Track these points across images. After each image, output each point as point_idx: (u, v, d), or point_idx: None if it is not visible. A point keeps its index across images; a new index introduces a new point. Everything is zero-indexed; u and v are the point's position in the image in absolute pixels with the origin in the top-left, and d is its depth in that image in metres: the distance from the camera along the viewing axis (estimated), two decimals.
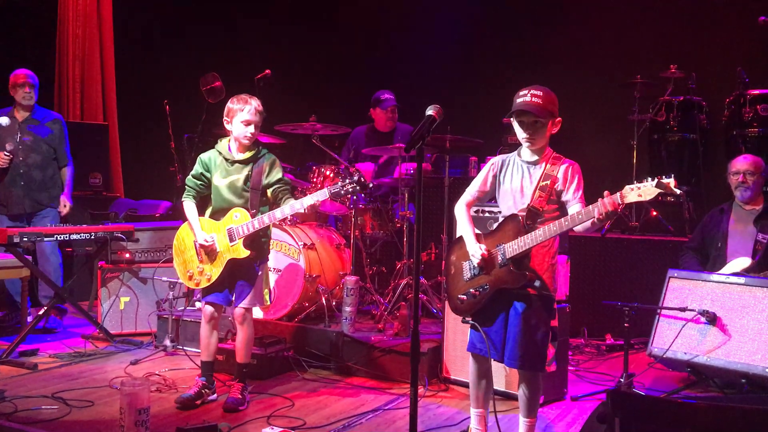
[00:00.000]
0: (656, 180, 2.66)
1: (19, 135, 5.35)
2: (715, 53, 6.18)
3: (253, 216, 3.73)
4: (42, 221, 5.31)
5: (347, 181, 3.63)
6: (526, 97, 3.04)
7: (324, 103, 7.06)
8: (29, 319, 5.03)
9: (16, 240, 4.55)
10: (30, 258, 5.01)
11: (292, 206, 3.64)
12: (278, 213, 3.67)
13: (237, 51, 7.80)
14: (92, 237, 4.95)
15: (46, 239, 4.79)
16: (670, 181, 2.65)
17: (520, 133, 3.10)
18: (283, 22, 7.93)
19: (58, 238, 4.82)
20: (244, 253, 3.72)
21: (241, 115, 3.77)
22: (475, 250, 3.08)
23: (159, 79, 7.79)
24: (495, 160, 3.26)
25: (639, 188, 2.70)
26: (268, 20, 8.01)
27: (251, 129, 3.78)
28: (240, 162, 3.85)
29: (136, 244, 5.29)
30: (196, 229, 3.84)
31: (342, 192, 3.62)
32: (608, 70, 6.46)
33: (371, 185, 3.81)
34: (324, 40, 7.73)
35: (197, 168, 3.93)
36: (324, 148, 5.34)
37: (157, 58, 7.99)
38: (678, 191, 2.68)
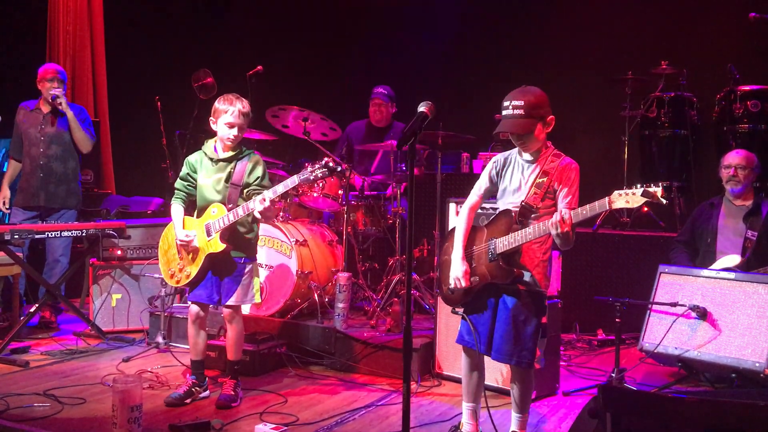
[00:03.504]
0: (642, 189, 2.66)
1: (41, 126, 5.35)
2: (706, 49, 6.20)
3: (229, 211, 3.72)
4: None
5: (316, 166, 3.60)
6: (507, 110, 3.03)
7: (316, 99, 7.04)
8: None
9: (7, 237, 4.53)
10: (21, 255, 4.99)
11: (263, 195, 3.57)
12: (251, 204, 3.62)
13: (229, 47, 7.77)
14: (83, 234, 4.93)
15: (37, 236, 4.75)
16: (657, 191, 2.65)
17: (513, 142, 3.13)
18: (276, 17, 7.91)
19: (49, 235, 4.79)
20: (220, 246, 3.71)
21: (225, 117, 3.76)
22: (458, 273, 3.12)
23: (150, 75, 7.76)
24: (497, 158, 3.27)
25: (627, 194, 2.70)
26: (261, 16, 7.98)
27: (234, 131, 3.78)
28: (223, 160, 3.84)
29: (127, 240, 5.27)
30: (177, 228, 3.85)
31: (311, 177, 3.60)
32: (599, 66, 6.47)
33: (339, 169, 3.77)
34: (316, 36, 7.71)
35: (184, 170, 3.94)
36: (316, 145, 5.34)
37: (149, 54, 7.94)
38: (665, 201, 2.69)
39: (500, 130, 3.06)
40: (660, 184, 2.67)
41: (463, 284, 3.09)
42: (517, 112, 3.00)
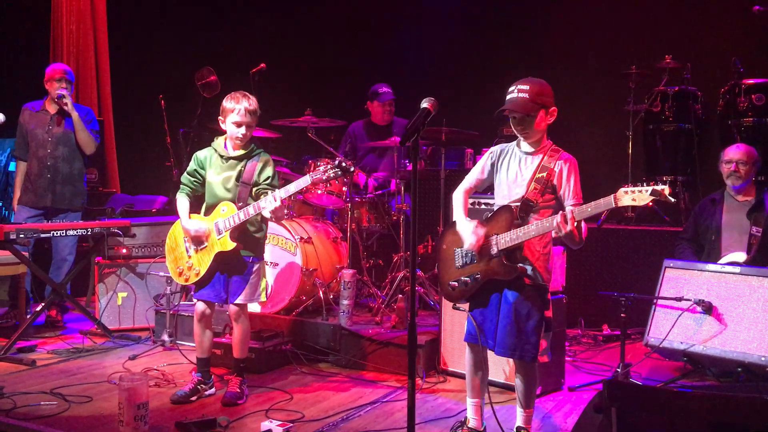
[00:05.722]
0: (650, 187, 2.66)
1: (49, 127, 5.37)
2: (710, 43, 6.18)
3: (239, 209, 3.72)
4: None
5: (329, 166, 3.62)
6: (512, 93, 3.07)
7: (320, 96, 7.05)
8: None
9: (13, 236, 4.55)
10: (27, 254, 5.01)
11: (274, 195, 3.57)
12: (262, 202, 3.61)
13: (232, 45, 7.78)
14: (89, 233, 4.94)
15: (42, 235, 4.77)
16: (665, 189, 2.65)
17: (514, 128, 3.13)
18: (279, 15, 7.91)
19: (55, 234, 4.80)
20: (230, 245, 3.71)
21: (232, 116, 3.76)
22: (470, 237, 3.07)
23: (154, 74, 7.76)
24: (494, 149, 3.27)
25: (633, 192, 2.70)
26: (264, 13, 7.98)
27: (242, 130, 3.77)
28: (234, 158, 3.84)
29: (132, 239, 5.28)
30: (184, 218, 3.83)
31: (324, 177, 3.60)
32: (603, 60, 6.46)
33: (352, 169, 3.78)
34: (319, 33, 7.71)
35: (191, 165, 3.94)
36: (320, 142, 5.34)
37: (152, 53, 7.95)
38: (672, 200, 2.69)
39: (504, 108, 3.06)
40: (666, 180, 2.67)
41: (481, 234, 3.05)
42: (521, 95, 3.04)
